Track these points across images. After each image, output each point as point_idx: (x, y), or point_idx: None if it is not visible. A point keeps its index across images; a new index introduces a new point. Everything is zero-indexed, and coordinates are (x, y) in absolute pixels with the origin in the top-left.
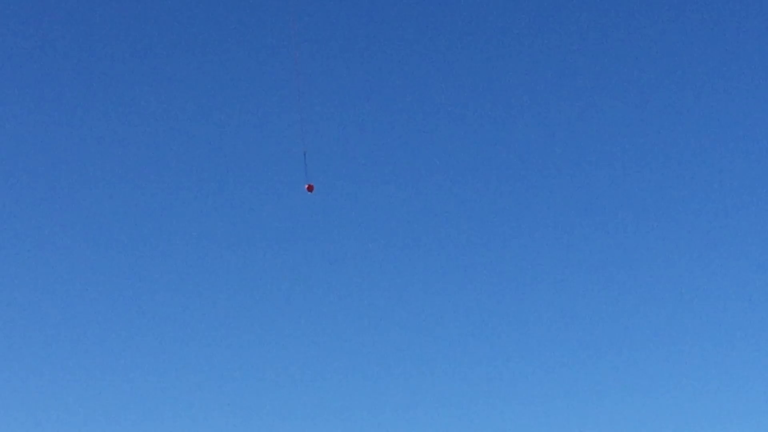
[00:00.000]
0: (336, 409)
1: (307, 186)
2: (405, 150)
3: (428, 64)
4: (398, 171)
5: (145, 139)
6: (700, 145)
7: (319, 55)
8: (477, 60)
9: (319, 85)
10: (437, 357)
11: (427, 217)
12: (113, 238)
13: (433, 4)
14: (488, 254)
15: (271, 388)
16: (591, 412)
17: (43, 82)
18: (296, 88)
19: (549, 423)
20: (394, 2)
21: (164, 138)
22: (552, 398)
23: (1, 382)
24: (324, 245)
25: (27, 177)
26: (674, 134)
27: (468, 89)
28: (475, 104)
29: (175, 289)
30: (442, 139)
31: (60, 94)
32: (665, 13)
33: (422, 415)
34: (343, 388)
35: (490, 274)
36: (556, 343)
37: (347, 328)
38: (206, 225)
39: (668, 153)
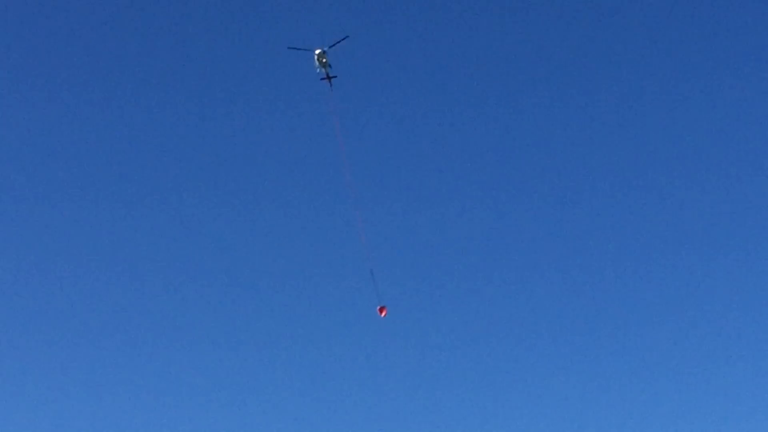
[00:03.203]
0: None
1: (379, 308)
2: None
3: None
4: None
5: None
6: (699, 145)
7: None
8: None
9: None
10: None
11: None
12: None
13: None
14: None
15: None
16: (590, 411)
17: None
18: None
19: (549, 423)
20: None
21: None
22: (551, 398)
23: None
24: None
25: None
26: (674, 135)
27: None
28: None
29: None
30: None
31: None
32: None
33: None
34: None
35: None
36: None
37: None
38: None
39: (668, 154)
